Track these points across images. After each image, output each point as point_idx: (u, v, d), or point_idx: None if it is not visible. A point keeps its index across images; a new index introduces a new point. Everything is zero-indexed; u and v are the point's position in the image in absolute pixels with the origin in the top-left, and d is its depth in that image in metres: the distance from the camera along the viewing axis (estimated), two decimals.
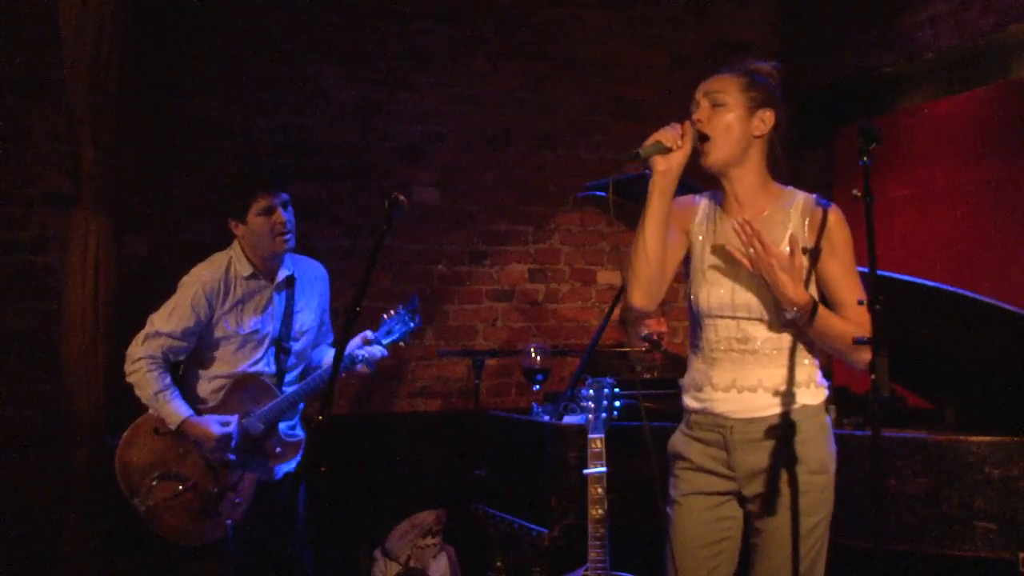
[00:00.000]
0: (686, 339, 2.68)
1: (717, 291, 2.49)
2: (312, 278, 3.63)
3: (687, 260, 2.59)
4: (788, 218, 2.50)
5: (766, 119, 2.49)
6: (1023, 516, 2.90)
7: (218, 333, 3.42)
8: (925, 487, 3.01)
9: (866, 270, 2.23)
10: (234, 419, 3.38)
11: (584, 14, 5.48)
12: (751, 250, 2.36)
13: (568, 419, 3.60)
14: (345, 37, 5.05)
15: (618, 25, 5.55)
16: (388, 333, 3.50)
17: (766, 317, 2.46)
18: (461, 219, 5.27)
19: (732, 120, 2.46)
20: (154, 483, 3.37)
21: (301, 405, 3.56)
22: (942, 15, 4.83)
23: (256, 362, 3.47)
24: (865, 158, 2.21)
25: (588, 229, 5.51)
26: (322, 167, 5.01)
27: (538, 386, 4.09)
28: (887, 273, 2.98)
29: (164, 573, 3.84)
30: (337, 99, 5.04)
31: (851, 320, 2.41)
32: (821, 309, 2.38)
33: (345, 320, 2.63)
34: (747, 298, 2.46)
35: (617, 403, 3.17)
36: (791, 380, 2.47)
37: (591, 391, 3.17)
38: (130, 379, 3.39)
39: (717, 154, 2.47)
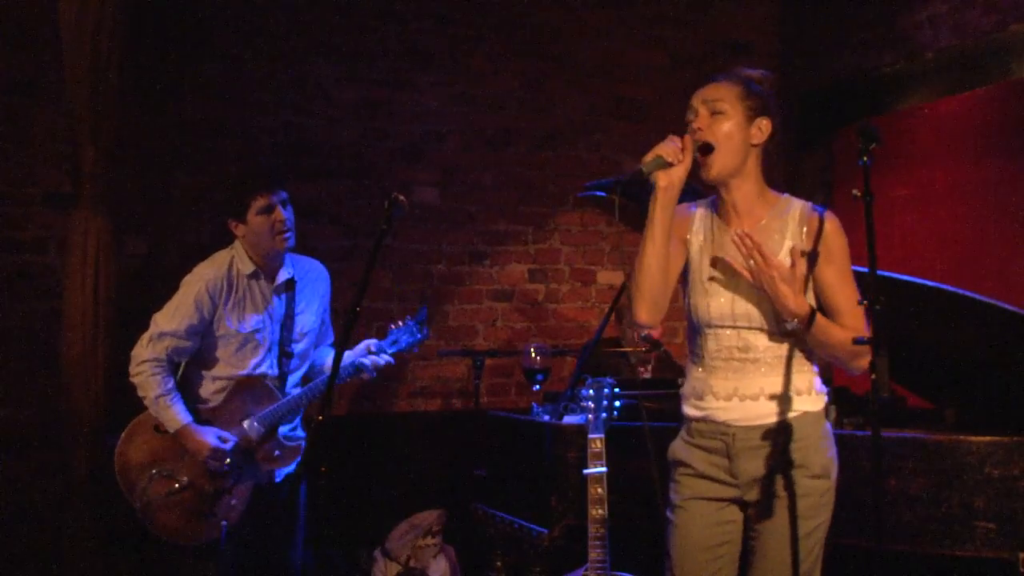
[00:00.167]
0: (685, 338, 2.68)
1: (717, 301, 2.49)
2: (313, 279, 3.63)
3: (685, 269, 2.59)
4: (785, 226, 2.50)
5: (763, 127, 2.49)
6: (1023, 516, 2.90)
7: (219, 332, 3.42)
8: (925, 487, 3.01)
9: (866, 270, 2.23)
10: (233, 439, 3.38)
11: (584, 14, 5.48)
12: (751, 262, 2.36)
13: (568, 419, 3.60)
14: (345, 37, 5.05)
15: (618, 25, 5.55)
16: (394, 343, 3.51)
17: (767, 326, 2.46)
18: (461, 219, 5.27)
19: (732, 128, 2.45)
20: (151, 480, 3.36)
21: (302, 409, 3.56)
22: (942, 15, 4.83)
23: (259, 364, 3.46)
24: (865, 158, 2.21)
25: (588, 229, 5.51)
26: (322, 167, 5.01)
27: (538, 386, 4.09)
28: (887, 273, 2.98)
29: (163, 573, 3.84)
30: (337, 99, 5.04)
31: (848, 327, 2.42)
32: (820, 319, 2.39)
33: (345, 320, 2.63)
34: (747, 308, 2.47)
35: (617, 403, 3.17)
36: (792, 388, 2.48)
37: (591, 391, 3.17)
38: (134, 380, 3.40)
39: (721, 164, 2.45)
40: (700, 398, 2.54)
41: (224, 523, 3.34)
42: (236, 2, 4.87)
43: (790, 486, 2.45)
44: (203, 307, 3.38)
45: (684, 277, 2.58)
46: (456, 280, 5.27)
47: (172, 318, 3.38)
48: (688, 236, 2.57)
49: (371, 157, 5.09)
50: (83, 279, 4.07)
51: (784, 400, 2.47)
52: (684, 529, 2.53)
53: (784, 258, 2.43)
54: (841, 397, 3.70)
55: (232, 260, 3.46)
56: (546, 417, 3.76)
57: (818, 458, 2.47)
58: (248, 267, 3.45)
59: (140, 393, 3.38)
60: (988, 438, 2.98)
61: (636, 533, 3.23)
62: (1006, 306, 3.11)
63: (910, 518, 3.02)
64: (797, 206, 2.52)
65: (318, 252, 3.82)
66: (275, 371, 3.50)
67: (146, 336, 3.40)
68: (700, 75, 2.59)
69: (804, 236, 2.48)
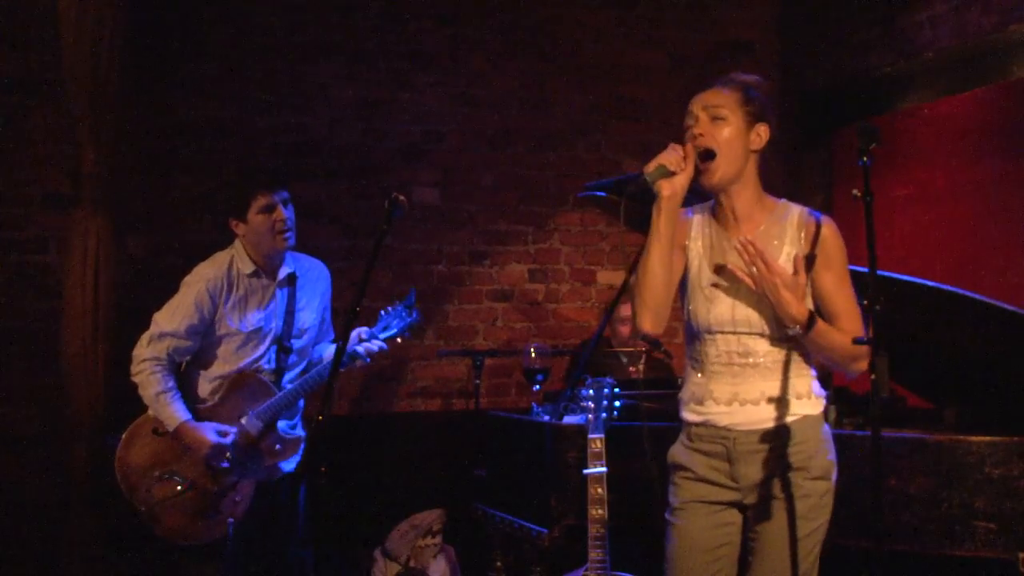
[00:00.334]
0: (684, 336, 2.68)
1: (717, 308, 2.49)
2: (314, 277, 3.63)
3: (683, 275, 2.59)
4: (784, 232, 2.50)
5: (762, 133, 2.49)
6: (1023, 516, 2.90)
7: (220, 331, 3.43)
8: (925, 487, 3.01)
9: (866, 270, 2.23)
10: (233, 430, 3.38)
11: (584, 14, 5.48)
12: (754, 269, 2.36)
13: (568, 419, 3.60)
14: (345, 37, 5.05)
15: (618, 25, 5.55)
16: (385, 328, 3.50)
17: (767, 331, 2.47)
18: (461, 219, 5.27)
19: (733, 134, 2.45)
20: (154, 483, 3.37)
21: (301, 403, 3.56)
22: (942, 15, 4.83)
23: (256, 359, 3.47)
24: (865, 158, 2.21)
25: (588, 229, 5.51)
26: (322, 167, 5.01)
27: (538, 386, 4.09)
28: (887, 273, 2.98)
29: (164, 573, 3.84)
30: (337, 99, 5.04)
31: (847, 331, 2.42)
32: (821, 324, 2.39)
33: (345, 320, 2.64)
34: (748, 313, 2.47)
35: (617, 403, 3.17)
36: (792, 391, 2.48)
37: (591, 391, 3.17)
38: (135, 379, 3.40)
39: (723, 171, 2.45)
40: (700, 403, 2.54)
41: (230, 520, 3.34)
42: (236, 2, 4.87)
43: (790, 488, 2.45)
44: (203, 307, 3.39)
45: (683, 283, 2.57)
46: (456, 280, 5.27)
47: (172, 318, 3.38)
48: (687, 242, 2.57)
49: (371, 157, 5.09)
50: (83, 279, 4.08)
51: (784, 404, 2.47)
52: (684, 531, 2.53)
53: (784, 264, 2.44)
54: (841, 397, 3.70)
55: (232, 260, 3.46)
56: (546, 417, 3.76)
57: (818, 461, 2.48)
58: (248, 267, 3.45)
59: (140, 391, 3.39)
60: (988, 438, 2.98)
61: (636, 533, 3.23)
62: (1006, 306, 3.11)
63: (910, 518, 3.01)
64: (795, 211, 2.52)
65: (318, 252, 3.82)
66: (272, 365, 3.50)
67: (146, 336, 3.40)
68: (700, 75, 2.60)
69: (803, 241, 2.48)
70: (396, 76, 5.13)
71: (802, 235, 2.48)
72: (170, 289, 3.48)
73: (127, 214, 4.44)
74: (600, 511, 3.05)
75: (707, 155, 2.44)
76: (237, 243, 3.49)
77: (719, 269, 2.51)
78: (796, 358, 2.49)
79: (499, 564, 4.03)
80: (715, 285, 2.51)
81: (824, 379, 2.60)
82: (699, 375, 2.56)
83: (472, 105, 5.28)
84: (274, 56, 4.92)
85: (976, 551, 2.94)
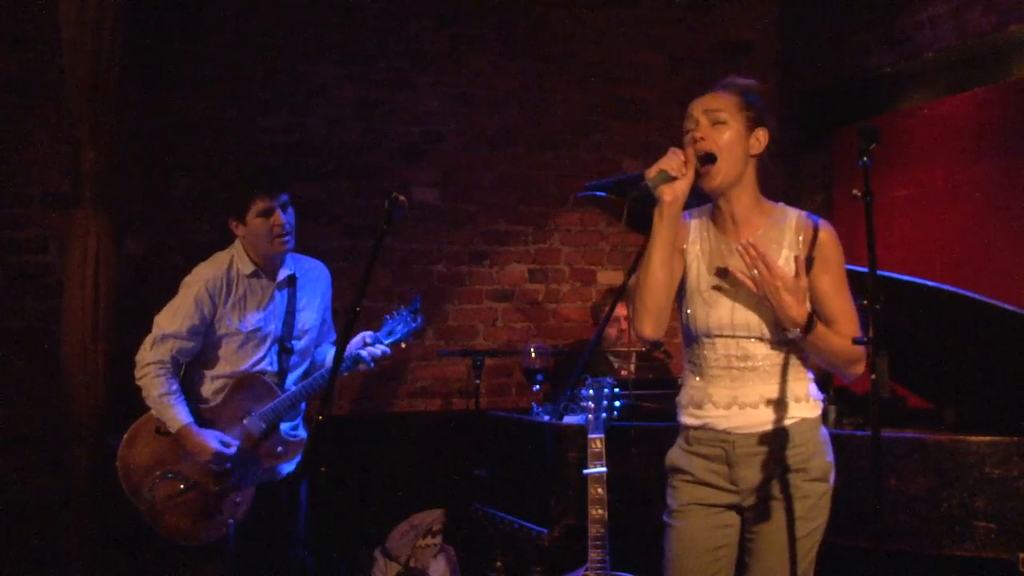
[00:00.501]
0: (682, 340, 2.68)
1: (716, 312, 2.50)
2: (314, 277, 3.63)
3: (681, 279, 2.58)
4: (783, 235, 2.50)
5: (761, 138, 2.50)
6: (1023, 516, 2.90)
7: (220, 331, 3.43)
8: (925, 487, 3.01)
9: (866, 270, 2.23)
10: (236, 442, 3.39)
11: (584, 14, 5.48)
12: (755, 272, 2.36)
13: (568, 419, 3.60)
14: (345, 37, 5.05)
15: (618, 25, 5.55)
16: (390, 333, 3.51)
17: (765, 335, 2.47)
18: (461, 219, 5.27)
19: (733, 138, 2.45)
20: (155, 483, 3.37)
21: (303, 405, 3.57)
22: (942, 15, 4.83)
23: (258, 361, 3.47)
24: (865, 158, 2.21)
25: (588, 229, 5.51)
26: (322, 167, 5.01)
27: (538, 386, 4.09)
28: (887, 273, 2.98)
29: (164, 573, 3.84)
30: (337, 99, 5.04)
31: (844, 334, 2.42)
32: (820, 327, 2.40)
33: (345, 320, 2.64)
34: (747, 317, 2.47)
35: (617, 403, 3.17)
36: (790, 394, 2.49)
37: (591, 391, 3.17)
38: (139, 383, 3.41)
39: (724, 174, 2.45)
40: (699, 407, 2.54)
41: (231, 521, 3.34)
42: (236, 2, 4.87)
43: (789, 490, 2.46)
44: (203, 307, 3.39)
45: (681, 287, 2.57)
46: (456, 280, 5.27)
47: (173, 319, 3.38)
48: (685, 246, 2.57)
49: (371, 157, 5.09)
50: (83, 279, 4.08)
51: (783, 407, 2.48)
52: (683, 533, 2.54)
53: (787, 268, 2.44)
54: (841, 397, 3.70)
55: (232, 260, 3.47)
56: (546, 417, 3.76)
57: (817, 462, 2.49)
58: (248, 267, 3.46)
59: (144, 394, 3.39)
60: (988, 438, 2.98)
61: (636, 533, 3.23)
62: (1006, 306, 3.11)
63: (910, 518, 3.01)
64: (793, 215, 2.53)
65: (318, 252, 3.82)
66: (275, 367, 3.50)
67: (149, 339, 3.40)
68: (700, 75, 2.61)
69: (801, 245, 2.48)
70: (396, 76, 5.13)
71: (800, 239, 2.49)
72: (170, 289, 3.48)
73: (127, 214, 4.44)
74: (600, 511, 3.05)
75: (708, 159, 2.44)
76: (237, 243, 3.49)
77: (718, 273, 2.51)
78: (794, 361, 2.50)
79: (499, 564, 4.03)
80: (714, 289, 2.51)
81: (824, 379, 2.61)
82: (697, 379, 2.56)
83: (472, 105, 5.28)
84: (274, 56, 4.92)
85: (976, 551, 2.94)
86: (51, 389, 4.23)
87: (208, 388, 3.47)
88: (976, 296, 3.16)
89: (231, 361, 3.45)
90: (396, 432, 5.09)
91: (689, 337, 2.58)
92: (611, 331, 4.80)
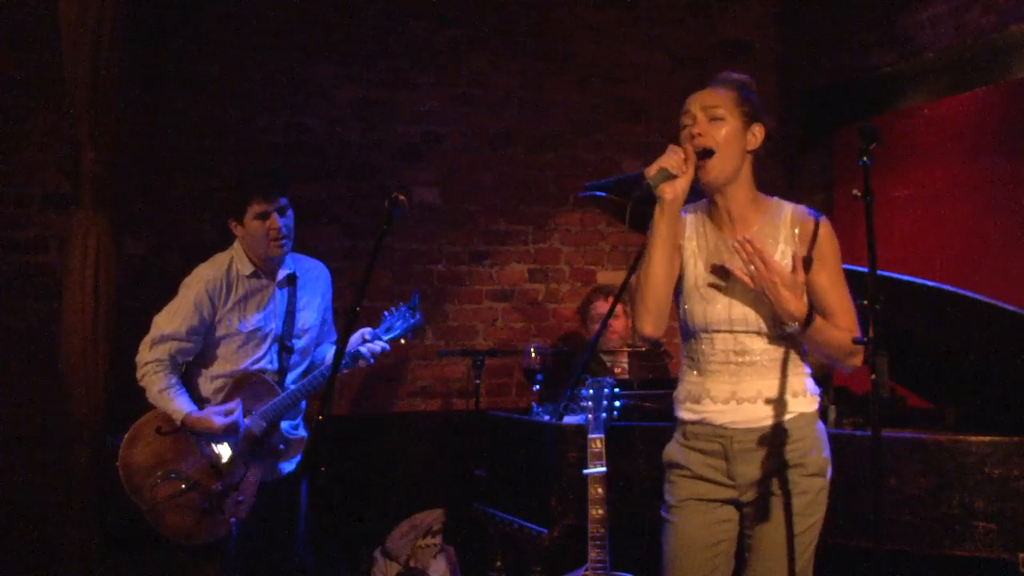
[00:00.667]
0: (680, 335, 2.68)
1: (714, 307, 2.50)
2: (314, 277, 3.64)
3: (678, 275, 2.59)
4: (778, 231, 2.51)
5: (757, 134, 2.51)
6: (1023, 516, 2.90)
7: (221, 331, 3.43)
8: (925, 487, 3.01)
9: (866, 270, 2.24)
10: (237, 403, 3.39)
11: (584, 14, 5.48)
12: (752, 268, 2.37)
13: (568, 419, 3.60)
14: (345, 37, 5.05)
15: (618, 25, 5.55)
16: (388, 330, 3.51)
17: (764, 329, 2.48)
18: (461, 219, 5.27)
19: (731, 134, 2.47)
20: (157, 482, 3.37)
21: (303, 404, 3.57)
22: (942, 15, 4.83)
23: (259, 360, 3.47)
24: (865, 158, 2.21)
25: (588, 229, 5.51)
26: (322, 167, 5.01)
27: (538, 386, 4.09)
28: (887, 273, 2.98)
29: (164, 573, 3.84)
30: (337, 99, 5.04)
31: (842, 327, 2.44)
32: (819, 320, 2.40)
33: (345, 320, 2.64)
34: (744, 312, 2.48)
35: (617, 403, 3.17)
36: (787, 389, 2.50)
37: (591, 391, 3.17)
38: (140, 383, 3.41)
39: (720, 169, 2.46)
40: (697, 401, 2.55)
41: (233, 520, 3.35)
42: (236, 2, 4.87)
43: (787, 485, 2.47)
44: (203, 308, 3.39)
45: (678, 283, 2.57)
46: (456, 280, 5.27)
47: (172, 320, 3.39)
48: (682, 242, 2.57)
49: (371, 157, 5.09)
50: (83, 279, 4.07)
51: (780, 402, 2.49)
52: (681, 528, 2.54)
53: (784, 263, 2.44)
54: (841, 397, 3.70)
55: (231, 260, 3.47)
56: (546, 417, 3.76)
57: (814, 458, 2.49)
58: (247, 267, 3.46)
59: (147, 394, 3.40)
60: (988, 438, 2.98)
61: (636, 533, 3.23)
62: (1006, 306, 3.11)
63: (910, 518, 3.02)
64: (788, 210, 2.53)
65: (318, 252, 3.82)
66: (275, 366, 3.51)
67: (147, 339, 3.40)
68: (700, 75, 2.60)
69: (797, 239, 2.49)
70: (396, 76, 5.13)
71: (796, 232, 2.50)
72: (170, 289, 3.48)
73: (127, 214, 4.44)
74: (600, 511, 3.05)
75: (705, 153, 2.45)
76: (236, 244, 3.49)
77: (715, 269, 2.51)
78: (792, 356, 2.51)
79: (499, 564, 4.03)
80: (711, 285, 2.52)
81: (824, 379, 2.61)
82: (695, 374, 2.57)
83: (472, 105, 5.28)
84: (274, 56, 4.92)
85: (976, 551, 2.94)
86: (51, 389, 4.23)
87: (208, 387, 3.48)
88: (976, 296, 3.16)
89: (231, 360, 3.46)
90: (396, 432, 5.09)
91: (687, 333, 2.59)
92: (596, 329, 4.76)
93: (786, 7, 5.83)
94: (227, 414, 3.36)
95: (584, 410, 3.17)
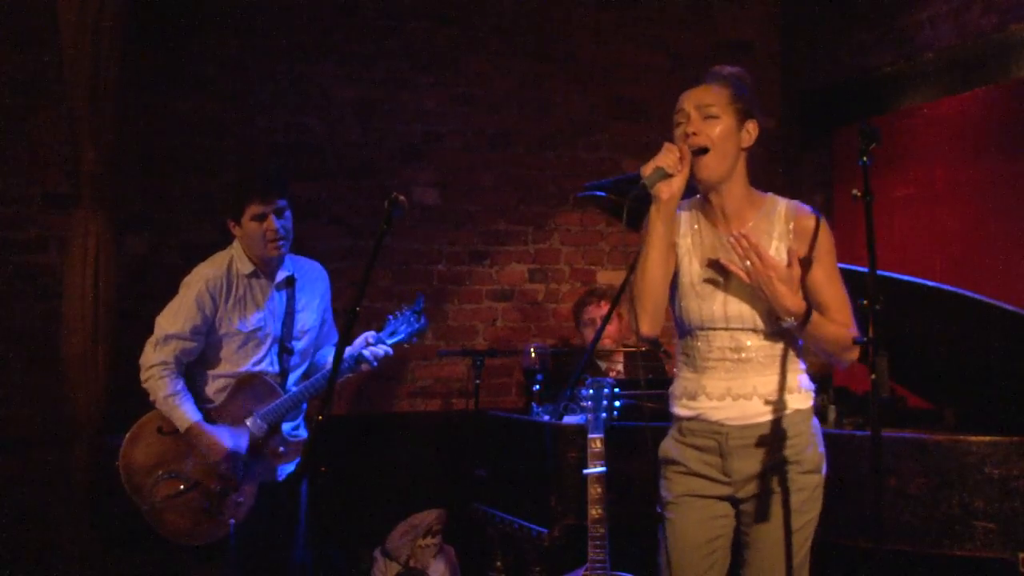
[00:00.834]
0: (675, 332, 2.68)
1: (709, 305, 2.50)
2: (312, 278, 3.63)
3: (674, 273, 2.59)
4: (773, 227, 2.51)
5: (751, 130, 2.50)
6: (1023, 516, 2.90)
7: (222, 331, 3.43)
8: (925, 487, 3.01)
9: (866, 270, 2.24)
10: (245, 434, 3.38)
11: (584, 14, 5.48)
12: (748, 263, 2.37)
13: (568, 419, 3.60)
14: (345, 37, 5.05)
15: (618, 25, 5.55)
16: (392, 334, 3.51)
17: (759, 327, 2.48)
18: (461, 219, 5.27)
19: (725, 132, 2.46)
20: (157, 482, 3.37)
21: (304, 405, 3.57)
22: (942, 15, 4.83)
23: (259, 361, 3.47)
24: (865, 158, 2.21)
25: (588, 229, 5.51)
26: (322, 167, 5.01)
27: (538, 386, 4.09)
28: (887, 273, 2.98)
29: (164, 573, 3.84)
30: (337, 99, 5.04)
31: (838, 322, 2.44)
32: (815, 316, 2.40)
33: (345, 320, 2.64)
34: (740, 309, 2.48)
35: (617, 403, 3.17)
36: (783, 386, 2.50)
37: (591, 391, 3.17)
38: (144, 385, 3.41)
39: (716, 166, 2.45)
40: (693, 398, 2.55)
41: (232, 521, 3.34)
42: (236, 2, 4.87)
43: (783, 482, 2.47)
44: (204, 307, 3.39)
45: (673, 280, 2.57)
46: (456, 280, 5.27)
47: (175, 320, 3.38)
48: (676, 239, 2.57)
49: (371, 157, 5.09)
50: (83, 279, 4.07)
51: (775, 398, 2.49)
52: (680, 524, 2.54)
53: (780, 259, 2.44)
54: (841, 397, 3.70)
55: (231, 260, 3.47)
56: (546, 417, 3.76)
57: (810, 454, 2.50)
58: (247, 267, 3.46)
59: (151, 397, 3.40)
60: (988, 438, 2.98)
61: (636, 533, 3.23)
62: (1006, 306, 3.11)
63: (910, 518, 3.02)
64: (782, 205, 2.53)
65: (318, 252, 3.82)
66: (276, 368, 3.50)
67: (152, 341, 3.40)
68: (700, 75, 2.59)
69: (791, 235, 2.49)
70: (396, 76, 5.13)
71: (790, 228, 2.49)
72: (170, 289, 3.48)
73: (127, 214, 4.44)
74: (600, 511, 3.05)
75: (700, 151, 2.44)
76: (236, 243, 3.49)
77: (711, 266, 2.51)
78: (787, 353, 2.51)
79: (499, 564, 4.03)
80: (707, 282, 2.52)
81: (824, 379, 2.61)
82: (691, 370, 2.57)
83: (472, 105, 5.28)
84: (274, 56, 4.92)
85: (976, 551, 2.94)
86: (51, 389, 4.23)
87: (210, 388, 3.48)
88: (976, 296, 3.16)
89: (232, 361, 3.46)
90: (396, 432, 5.09)
91: (682, 330, 2.59)
92: (589, 333, 4.72)
93: (786, 7, 5.83)
94: (236, 439, 3.35)
95: (584, 410, 3.17)
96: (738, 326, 2.48)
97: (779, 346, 2.50)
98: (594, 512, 3.05)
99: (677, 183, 2.42)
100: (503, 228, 5.36)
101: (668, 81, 5.53)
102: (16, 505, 4.35)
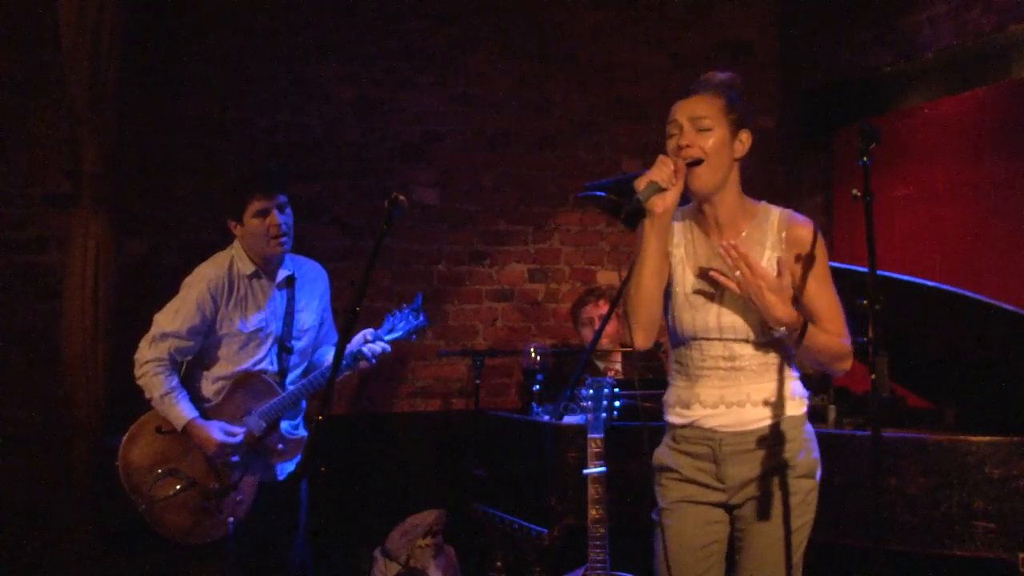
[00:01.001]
0: (668, 340, 2.67)
1: (703, 316, 2.50)
2: (312, 278, 3.64)
3: (667, 282, 2.58)
4: (765, 236, 2.50)
5: (744, 140, 2.49)
6: (1023, 516, 2.90)
7: (222, 331, 3.43)
8: (925, 487, 3.01)
9: (866, 270, 2.24)
10: (241, 430, 3.38)
11: (584, 14, 5.48)
12: (738, 273, 2.36)
13: (568, 419, 3.60)
14: (345, 37, 5.05)
15: (618, 25, 5.55)
16: (391, 331, 3.51)
17: (752, 336, 2.48)
18: (461, 219, 5.27)
19: (718, 143, 2.44)
20: (156, 481, 3.37)
21: (303, 404, 3.57)
22: (942, 15, 4.83)
23: (259, 360, 3.47)
24: (865, 158, 2.21)
25: (588, 229, 5.51)
26: (322, 167, 5.01)
27: (538, 386, 4.09)
28: (887, 273, 2.98)
29: (164, 573, 3.84)
30: (337, 99, 5.04)
31: (830, 332, 2.44)
32: (810, 327, 2.39)
33: (345, 320, 2.64)
34: (733, 319, 2.48)
35: (617, 403, 3.17)
36: (776, 393, 2.50)
37: (591, 391, 3.17)
38: (139, 382, 3.41)
39: (709, 178, 2.44)
40: (686, 406, 2.55)
41: (231, 520, 3.34)
42: (236, 2, 4.87)
43: (776, 487, 2.47)
44: (205, 308, 3.39)
45: (666, 290, 2.56)
46: (456, 280, 5.27)
47: (174, 319, 3.39)
48: (670, 248, 2.56)
49: (371, 157, 5.09)
50: (83, 279, 4.07)
51: (769, 405, 2.50)
52: (676, 529, 2.55)
53: (766, 267, 2.44)
54: (841, 397, 3.70)
55: (232, 260, 3.47)
56: (546, 417, 3.76)
57: (803, 459, 2.50)
58: (248, 267, 3.46)
59: (146, 394, 3.40)
60: (988, 438, 2.98)
61: (636, 533, 3.23)
62: (1006, 306, 3.11)
63: (910, 518, 3.01)
64: (775, 214, 2.53)
65: (318, 252, 3.82)
66: (275, 367, 3.51)
67: (147, 337, 3.41)
68: (700, 75, 2.59)
69: (784, 243, 2.48)
70: (396, 76, 5.13)
71: (783, 237, 2.49)
72: (170, 289, 3.48)
73: (127, 214, 4.44)
74: (600, 511, 3.05)
75: (694, 163, 2.43)
76: (236, 243, 3.49)
77: (700, 273, 2.51)
78: (780, 361, 2.52)
79: (499, 564, 4.03)
80: (699, 292, 2.51)
81: (824, 379, 2.61)
82: (684, 379, 2.57)
83: (472, 105, 5.28)
84: (274, 56, 4.92)
85: (976, 551, 2.94)
86: (51, 389, 4.23)
87: (209, 388, 3.48)
88: (976, 296, 3.16)
89: (232, 361, 3.46)
90: (396, 432, 5.09)
91: (675, 339, 2.59)
92: (588, 333, 4.72)
93: (786, 7, 5.83)
94: (230, 435, 3.36)
95: (584, 410, 3.16)
96: (731, 336, 2.48)
97: (772, 355, 2.50)
98: (594, 512, 3.05)
99: (671, 197, 2.40)
100: (503, 228, 5.36)
101: (668, 81, 5.53)
102: (16, 505, 4.35)
